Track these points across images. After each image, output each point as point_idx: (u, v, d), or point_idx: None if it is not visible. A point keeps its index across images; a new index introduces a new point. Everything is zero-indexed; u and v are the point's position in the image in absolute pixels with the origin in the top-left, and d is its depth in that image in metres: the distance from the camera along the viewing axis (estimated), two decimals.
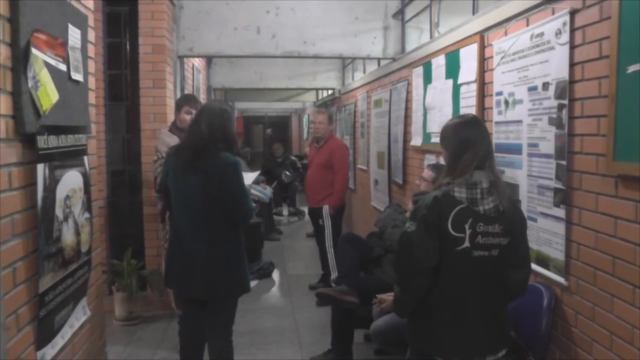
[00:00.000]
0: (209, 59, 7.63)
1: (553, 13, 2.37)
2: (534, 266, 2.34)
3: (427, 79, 4.04)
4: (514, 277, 1.99)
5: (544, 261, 2.46)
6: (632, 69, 1.81)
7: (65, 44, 2.04)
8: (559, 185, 2.31)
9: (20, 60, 1.68)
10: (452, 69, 3.54)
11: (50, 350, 1.94)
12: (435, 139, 3.69)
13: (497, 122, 2.89)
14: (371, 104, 6.02)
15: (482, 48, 3.12)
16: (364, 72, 7.07)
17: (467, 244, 1.88)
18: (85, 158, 2.29)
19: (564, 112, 2.26)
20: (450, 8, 4.35)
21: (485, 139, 1.99)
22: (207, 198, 2.60)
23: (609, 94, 1.94)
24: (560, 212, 2.31)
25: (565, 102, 2.25)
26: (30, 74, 1.72)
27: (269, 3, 4.93)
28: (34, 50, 1.73)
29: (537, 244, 2.49)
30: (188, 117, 3.47)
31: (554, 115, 2.34)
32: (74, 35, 2.13)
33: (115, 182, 4.52)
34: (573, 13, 2.20)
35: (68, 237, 2.06)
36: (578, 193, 2.20)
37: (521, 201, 2.61)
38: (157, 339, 4.00)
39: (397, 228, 3.37)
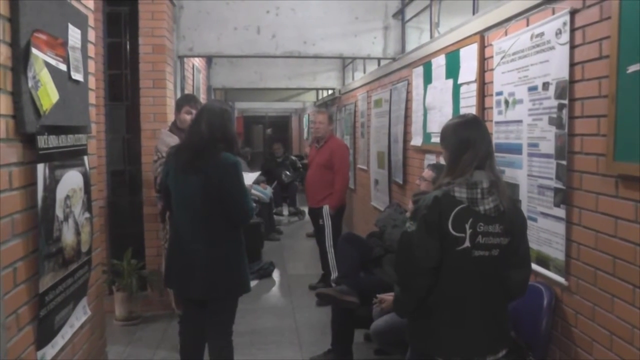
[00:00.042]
0: (209, 59, 7.63)
1: (553, 13, 2.37)
2: (534, 266, 2.34)
3: (427, 78, 4.04)
4: (514, 277, 1.99)
5: (544, 261, 2.46)
6: (632, 69, 1.81)
7: (65, 43, 2.04)
8: (559, 185, 2.31)
9: (21, 60, 1.68)
10: (452, 69, 3.54)
11: (51, 350, 1.94)
12: (436, 139, 3.69)
13: (497, 122, 2.89)
14: (371, 103, 6.02)
15: (482, 48, 3.12)
16: (364, 72, 7.07)
17: (467, 243, 1.88)
18: (86, 158, 2.29)
19: (564, 112, 2.26)
20: (450, 8, 4.35)
21: (486, 139, 1.99)
22: (207, 198, 2.60)
23: (609, 94, 1.94)
24: (561, 212, 2.31)
25: (566, 102, 2.25)
26: (30, 74, 1.72)
27: (269, 3, 4.93)
28: (34, 50, 1.73)
29: (537, 243, 2.49)
30: (188, 117, 3.47)
31: (554, 115, 2.34)
32: (74, 35, 2.13)
33: (116, 182, 4.52)
34: (573, 13, 2.20)
35: (68, 237, 2.06)
36: (578, 193, 2.20)
37: (521, 201, 2.61)
38: (157, 339, 4.00)
39: (397, 228, 3.37)
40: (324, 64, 8.20)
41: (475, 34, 3.18)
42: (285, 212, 9.85)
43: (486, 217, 1.89)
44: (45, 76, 1.82)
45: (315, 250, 5.40)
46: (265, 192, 7.45)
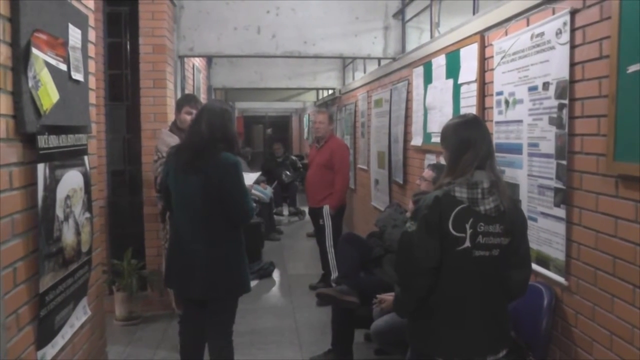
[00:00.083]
0: (209, 59, 7.63)
1: (553, 13, 2.37)
2: (534, 266, 2.34)
3: (428, 78, 4.04)
4: (514, 277, 1.99)
5: (544, 261, 2.46)
6: (632, 69, 1.81)
7: (65, 43, 2.04)
8: (560, 185, 2.31)
9: (21, 60, 1.68)
10: (453, 69, 3.54)
11: (51, 350, 1.94)
12: (436, 139, 3.69)
13: (497, 122, 2.89)
14: (371, 103, 6.03)
15: (483, 48, 3.12)
16: (364, 72, 7.07)
17: (468, 243, 1.88)
18: (86, 158, 2.29)
19: (564, 112, 2.26)
20: (451, 8, 4.36)
21: (486, 139, 1.99)
22: (207, 198, 2.60)
23: (609, 93, 1.94)
24: (561, 212, 2.31)
25: (566, 101, 2.25)
26: (30, 74, 1.72)
27: (269, 3, 4.94)
28: (34, 50, 1.73)
29: (537, 243, 2.49)
30: (188, 117, 3.47)
31: (554, 115, 2.34)
32: (74, 35, 2.13)
33: (116, 182, 4.52)
34: (573, 13, 2.20)
35: (68, 237, 2.07)
36: (578, 193, 2.20)
37: (521, 201, 2.61)
38: (157, 339, 4.00)
39: (397, 228, 3.37)
40: (324, 63, 8.20)
41: (476, 33, 3.18)
42: (286, 212, 9.85)
43: (487, 217, 1.89)
44: (45, 76, 1.82)
45: (316, 250, 5.40)
46: (265, 192, 7.45)
